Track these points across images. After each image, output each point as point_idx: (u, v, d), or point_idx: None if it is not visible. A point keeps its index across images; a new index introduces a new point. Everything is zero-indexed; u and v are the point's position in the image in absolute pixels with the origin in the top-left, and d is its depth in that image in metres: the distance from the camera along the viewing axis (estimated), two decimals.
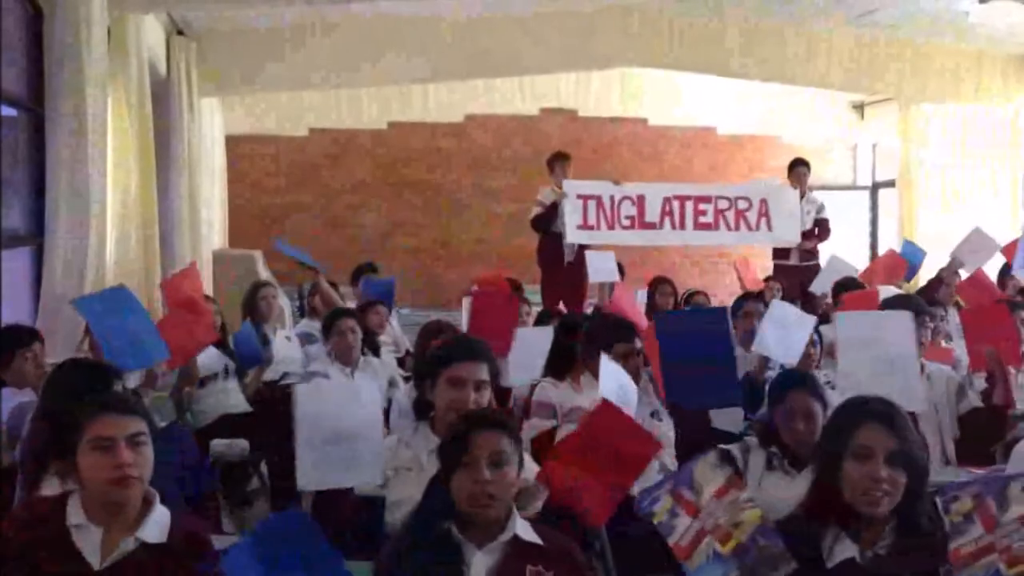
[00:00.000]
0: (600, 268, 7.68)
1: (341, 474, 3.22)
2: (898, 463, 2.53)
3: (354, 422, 3.25)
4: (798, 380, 3.78)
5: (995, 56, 10.22)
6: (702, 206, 8.91)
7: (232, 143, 10.99)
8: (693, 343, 3.90)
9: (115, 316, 4.44)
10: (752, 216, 8.94)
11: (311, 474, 3.20)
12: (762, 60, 9.85)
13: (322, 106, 11.57)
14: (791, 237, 9.00)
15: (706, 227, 8.93)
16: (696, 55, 9.74)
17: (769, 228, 8.98)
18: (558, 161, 9.00)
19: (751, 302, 6.40)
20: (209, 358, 5.52)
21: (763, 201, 8.99)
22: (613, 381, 3.91)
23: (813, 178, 9.64)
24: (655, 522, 2.61)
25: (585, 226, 8.62)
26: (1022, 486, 2.34)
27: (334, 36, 9.03)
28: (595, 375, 4.47)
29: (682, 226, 8.82)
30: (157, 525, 2.63)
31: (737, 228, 8.95)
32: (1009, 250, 7.92)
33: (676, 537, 2.59)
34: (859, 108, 12.72)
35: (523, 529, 2.65)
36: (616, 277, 7.75)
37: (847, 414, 2.64)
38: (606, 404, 3.71)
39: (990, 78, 10.30)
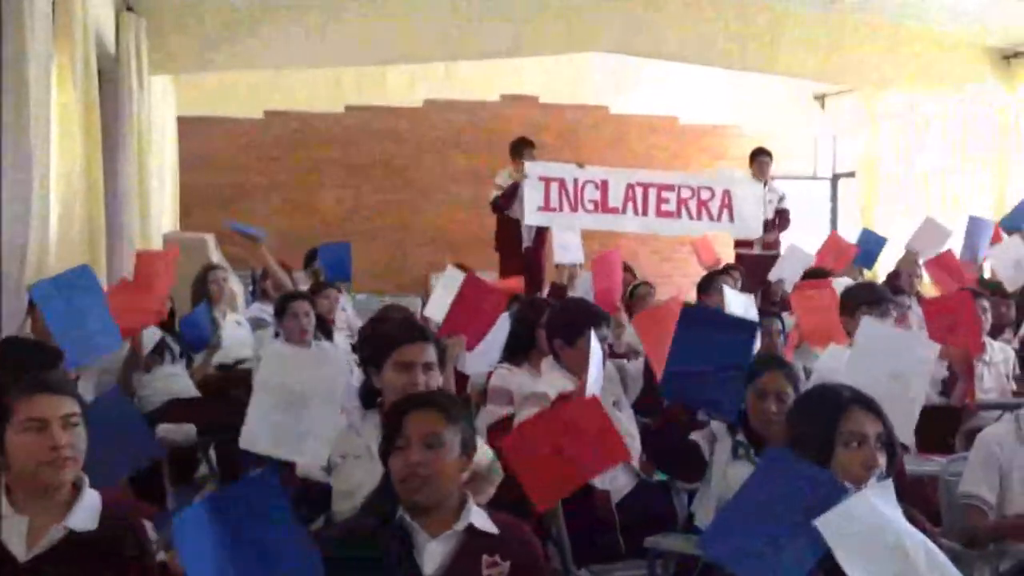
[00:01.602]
0: (566, 248, 7.59)
1: (285, 446, 3.11)
2: (883, 446, 2.50)
3: (311, 395, 3.15)
4: (773, 362, 3.77)
5: (959, 45, 10.25)
6: (665, 194, 8.87)
7: (187, 125, 10.79)
8: (711, 345, 3.74)
9: (71, 303, 4.29)
10: (715, 206, 8.92)
11: (254, 436, 3.12)
12: (722, 48, 9.78)
13: (279, 89, 11.39)
14: (753, 229, 9.01)
15: (668, 215, 8.91)
16: (653, 43, 9.67)
17: (731, 219, 8.97)
18: (525, 148, 8.89)
19: (721, 277, 6.37)
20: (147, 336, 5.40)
21: (726, 192, 8.97)
22: (597, 365, 3.85)
23: (774, 168, 9.65)
24: None
25: (547, 208, 8.50)
26: None
27: (289, 15, 8.86)
28: (559, 359, 4.43)
29: (644, 213, 8.77)
30: (87, 511, 2.51)
31: (699, 218, 8.93)
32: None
33: None
34: (820, 99, 12.75)
35: (478, 518, 2.57)
36: (582, 259, 7.68)
37: (828, 401, 2.59)
38: (593, 400, 3.64)
39: (954, 68, 10.34)
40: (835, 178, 13.10)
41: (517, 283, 7.34)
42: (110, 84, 7.69)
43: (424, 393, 3.05)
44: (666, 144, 12.40)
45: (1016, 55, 10.31)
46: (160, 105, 9.34)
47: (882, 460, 2.48)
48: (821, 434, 2.50)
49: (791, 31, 9.71)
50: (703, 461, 3.66)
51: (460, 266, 6.98)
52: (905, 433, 3.85)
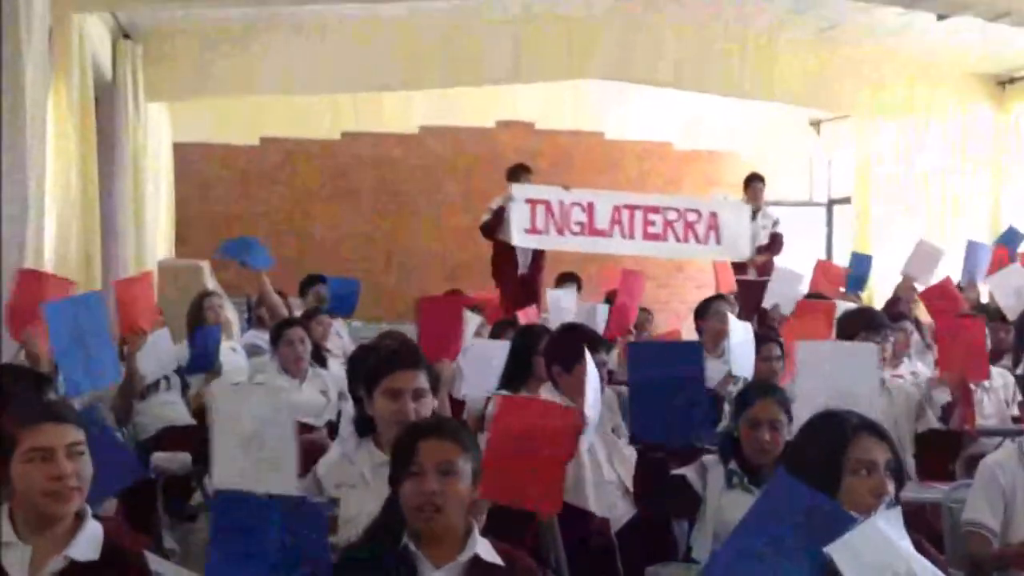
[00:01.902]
0: (560, 310, 7.55)
1: (254, 481, 3.11)
2: (891, 473, 2.46)
3: (263, 430, 3.14)
4: (766, 390, 3.73)
5: (952, 72, 10.30)
6: (651, 216, 8.85)
7: (182, 151, 10.79)
8: (665, 376, 3.82)
9: (78, 330, 4.32)
10: (701, 228, 8.90)
11: (224, 476, 3.11)
12: (717, 74, 9.82)
13: (274, 115, 11.39)
14: (740, 251, 8.96)
15: (655, 237, 8.88)
16: (648, 69, 9.69)
17: (718, 241, 8.93)
18: (522, 173, 8.88)
19: (719, 302, 6.34)
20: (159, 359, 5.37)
21: (713, 214, 8.95)
22: (595, 390, 3.84)
23: (769, 194, 9.65)
24: None
25: (533, 230, 8.47)
26: None
27: (286, 42, 8.88)
28: (557, 386, 4.40)
29: (631, 235, 8.73)
30: (89, 542, 2.48)
31: (686, 240, 8.91)
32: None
33: None
34: (816, 125, 12.78)
35: (484, 549, 2.54)
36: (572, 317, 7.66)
37: (835, 428, 2.53)
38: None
39: (946, 94, 10.38)
40: (830, 204, 13.11)
41: (491, 295, 7.30)
42: (107, 110, 7.74)
43: (436, 420, 3.04)
44: (661, 170, 12.40)
45: (1011, 80, 10.36)
46: (156, 131, 9.36)
47: (891, 487, 2.44)
48: (828, 462, 2.46)
49: (785, 57, 9.76)
50: (695, 496, 3.64)
51: (455, 292, 6.99)
52: None
